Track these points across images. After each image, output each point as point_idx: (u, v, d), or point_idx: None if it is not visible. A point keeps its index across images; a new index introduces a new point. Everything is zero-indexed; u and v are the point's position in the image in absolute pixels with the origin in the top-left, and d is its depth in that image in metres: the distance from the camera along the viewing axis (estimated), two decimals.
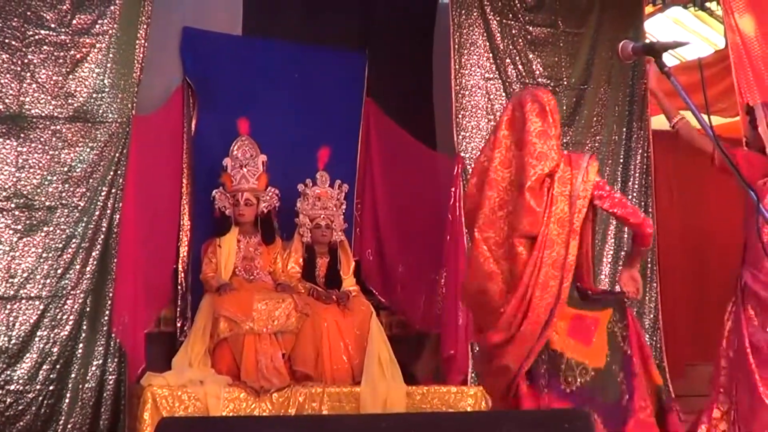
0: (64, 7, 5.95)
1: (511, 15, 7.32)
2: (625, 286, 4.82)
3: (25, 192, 5.77)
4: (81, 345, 5.85)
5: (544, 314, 4.40)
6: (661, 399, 4.72)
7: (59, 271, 5.82)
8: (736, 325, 5.32)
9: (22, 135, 5.80)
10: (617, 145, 7.59)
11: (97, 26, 6.03)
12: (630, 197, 7.54)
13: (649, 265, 7.53)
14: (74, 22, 5.97)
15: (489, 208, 4.43)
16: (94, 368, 5.88)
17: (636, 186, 7.60)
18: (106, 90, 6.03)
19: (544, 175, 4.39)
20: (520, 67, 7.30)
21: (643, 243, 4.83)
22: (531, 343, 4.43)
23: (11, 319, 5.67)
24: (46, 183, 5.83)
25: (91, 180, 5.95)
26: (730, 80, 6.86)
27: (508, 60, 7.27)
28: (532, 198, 4.37)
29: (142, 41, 6.14)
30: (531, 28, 7.41)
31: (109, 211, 5.99)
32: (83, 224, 5.91)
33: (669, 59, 8.29)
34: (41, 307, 5.74)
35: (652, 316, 7.48)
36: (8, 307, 5.66)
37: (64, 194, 5.87)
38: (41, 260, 5.78)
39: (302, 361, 6.45)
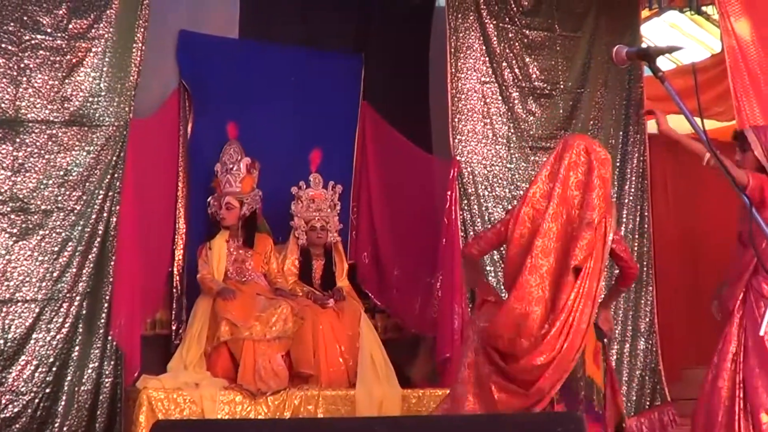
0: (61, 11, 5.96)
1: (507, 19, 7.32)
2: (602, 324, 5.15)
3: (21, 196, 5.78)
4: (77, 347, 5.87)
5: (579, 339, 4.75)
6: (621, 425, 5.13)
7: (55, 274, 5.83)
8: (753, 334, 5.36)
9: (18, 139, 5.81)
10: (614, 148, 7.59)
11: (93, 30, 6.04)
12: (626, 201, 7.56)
13: (645, 269, 7.54)
14: (70, 26, 5.98)
15: (548, 238, 4.75)
16: (90, 371, 5.90)
17: (632, 189, 7.60)
18: (102, 94, 6.04)
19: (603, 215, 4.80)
20: (516, 70, 7.31)
21: (627, 284, 5.42)
22: (567, 366, 4.75)
23: (7, 321, 5.68)
24: (42, 187, 5.85)
25: (87, 183, 5.97)
26: (726, 84, 6.86)
27: (504, 63, 7.27)
28: (593, 235, 4.76)
29: (140, 44, 6.15)
30: (527, 32, 7.41)
31: (105, 214, 6.01)
32: (79, 227, 5.92)
33: (665, 63, 8.30)
34: (37, 309, 5.76)
35: (648, 319, 7.47)
36: (4, 309, 5.68)
37: (60, 198, 5.88)
38: (37, 263, 5.79)
39: (304, 362, 6.49)
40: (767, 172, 5.35)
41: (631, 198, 7.59)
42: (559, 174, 4.81)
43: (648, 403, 7.39)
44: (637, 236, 7.56)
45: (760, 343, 5.28)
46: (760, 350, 5.31)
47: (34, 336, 5.74)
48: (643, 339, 7.43)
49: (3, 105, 5.79)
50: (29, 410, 5.69)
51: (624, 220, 7.51)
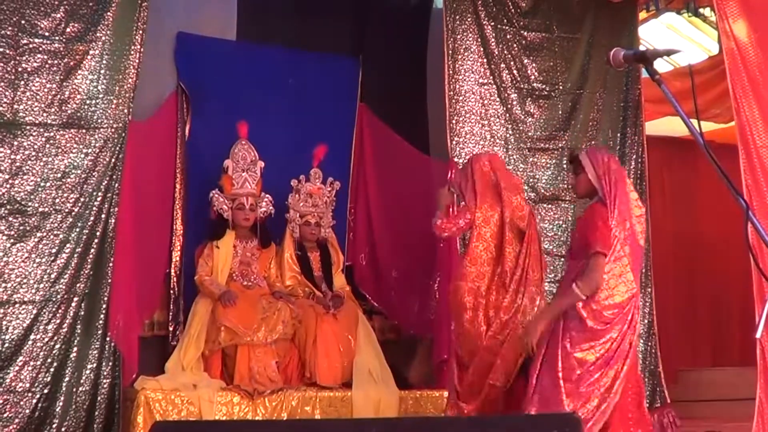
0: (59, 15, 5.98)
1: (505, 20, 7.32)
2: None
3: (18, 198, 5.80)
4: (75, 348, 5.88)
5: (530, 300, 5.67)
6: None
7: (53, 276, 5.85)
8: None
9: (15, 142, 5.83)
10: (612, 150, 7.56)
11: (91, 33, 6.06)
12: None
13: (644, 271, 7.51)
14: (68, 30, 6.00)
15: (485, 209, 5.74)
16: (88, 371, 5.92)
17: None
18: (100, 96, 6.06)
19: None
20: (515, 71, 7.30)
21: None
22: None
23: (5, 323, 5.70)
24: (40, 189, 5.87)
25: (85, 185, 5.98)
26: (723, 86, 6.85)
27: (502, 65, 7.26)
28: (522, 201, 5.92)
29: (138, 47, 6.16)
30: (526, 33, 7.40)
31: (103, 216, 6.02)
32: (77, 229, 5.93)
33: (662, 65, 8.30)
34: (34, 311, 5.77)
35: (647, 321, 7.44)
36: (1, 311, 5.70)
37: (57, 200, 5.90)
38: (35, 265, 5.81)
39: (325, 375, 6.52)
40: (599, 195, 5.36)
41: None
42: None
43: (647, 405, 7.36)
44: None
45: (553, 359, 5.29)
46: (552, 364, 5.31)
47: (31, 337, 5.75)
48: (642, 341, 7.40)
49: (1, 108, 5.81)
50: (27, 411, 5.71)
51: None
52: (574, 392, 4.99)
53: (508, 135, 7.23)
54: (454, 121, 7.02)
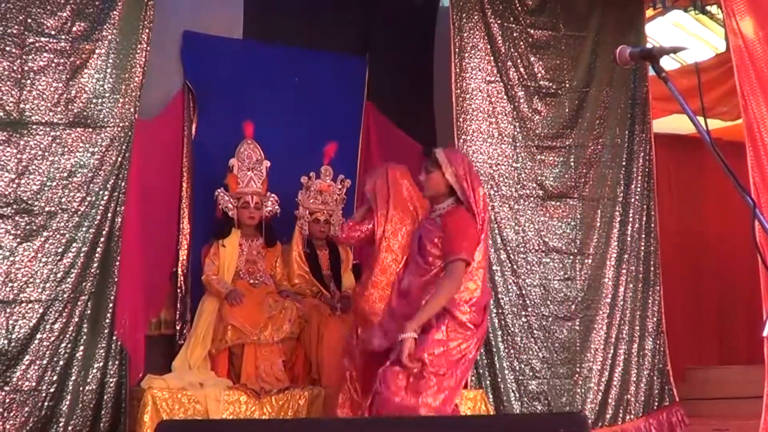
0: (65, 14, 5.97)
1: (512, 18, 7.31)
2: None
3: (25, 198, 5.79)
4: (81, 347, 5.88)
5: None
6: None
7: (59, 275, 5.84)
8: None
9: (22, 142, 5.82)
10: (619, 147, 7.58)
11: (97, 32, 6.05)
12: (632, 200, 7.54)
13: (652, 269, 7.52)
14: (74, 28, 5.99)
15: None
16: (94, 370, 5.91)
17: (638, 189, 7.58)
18: (107, 95, 6.06)
19: None
20: (522, 69, 7.30)
21: None
22: None
23: (11, 322, 5.69)
24: (46, 188, 5.85)
25: (91, 184, 5.97)
26: (730, 83, 6.85)
27: (509, 63, 7.25)
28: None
29: (144, 45, 6.16)
30: (532, 31, 7.40)
31: (110, 215, 6.01)
32: (84, 228, 5.93)
33: (668, 62, 8.29)
34: (41, 310, 5.76)
35: (655, 319, 7.45)
36: (8, 310, 5.68)
37: (63, 199, 5.89)
38: (41, 264, 5.80)
39: (329, 377, 6.47)
40: (456, 196, 5.18)
41: (636, 197, 7.57)
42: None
43: (656, 403, 7.35)
44: (643, 235, 7.54)
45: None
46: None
47: (38, 336, 5.74)
48: (650, 339, 7.41)
49: (7, 107, 5.80)
50: (34, 410, 5.69)
51: (630, 219, 7.50)
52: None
53: (515, 133, 7.22)
54: (461, 119, 7.02)
